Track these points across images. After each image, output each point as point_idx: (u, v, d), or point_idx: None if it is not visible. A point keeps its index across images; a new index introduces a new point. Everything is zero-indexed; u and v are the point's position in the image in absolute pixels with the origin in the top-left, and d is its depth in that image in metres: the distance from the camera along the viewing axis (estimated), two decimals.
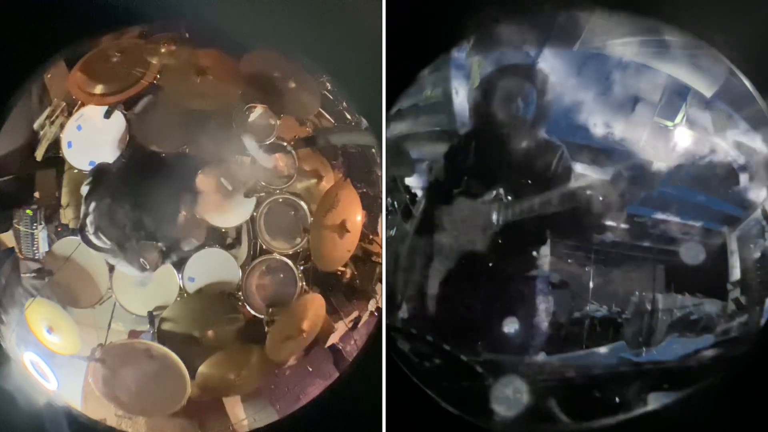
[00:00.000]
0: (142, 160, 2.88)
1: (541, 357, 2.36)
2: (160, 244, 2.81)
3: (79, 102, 2.97)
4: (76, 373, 2.79)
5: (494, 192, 2.36)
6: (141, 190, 2.73)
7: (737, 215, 2.31)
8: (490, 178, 2.39)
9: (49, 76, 2.91)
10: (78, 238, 2.83)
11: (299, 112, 3.18)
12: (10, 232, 2.93)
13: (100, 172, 2.79)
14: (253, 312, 2.97)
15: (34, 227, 2.91)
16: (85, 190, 2.75)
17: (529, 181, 2.34)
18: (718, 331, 2.31)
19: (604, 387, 2.32)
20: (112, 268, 2.89)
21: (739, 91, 2.25)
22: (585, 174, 2.34)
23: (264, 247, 3.03)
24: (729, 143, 2.29)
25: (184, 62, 2.95)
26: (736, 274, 2.31)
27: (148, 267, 2.80)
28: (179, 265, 2.94)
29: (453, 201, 2.42)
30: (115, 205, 2.70)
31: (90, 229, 2.71)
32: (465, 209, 2.40)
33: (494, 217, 2.36)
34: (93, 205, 2.71)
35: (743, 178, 2.27)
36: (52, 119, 2.96)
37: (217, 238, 3.03)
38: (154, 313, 2.91)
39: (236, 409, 2.94)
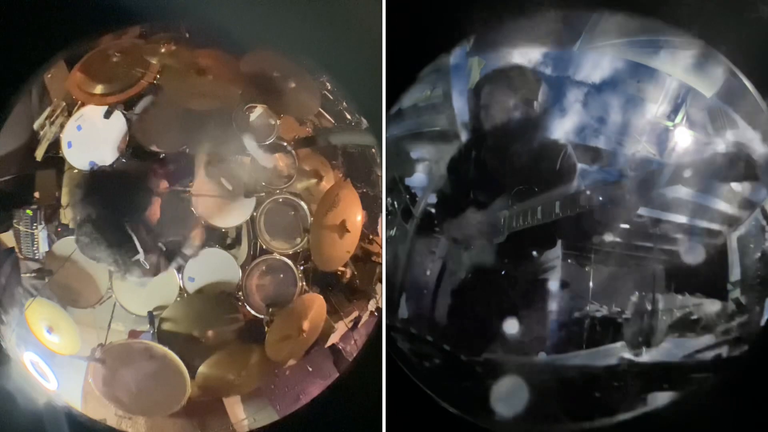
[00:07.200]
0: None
1: (541, 357, 2.36)
2: (160, 244, 2.80)
3: (79, 102, 2.97)
4: (76, 373, 2.79)
5: (500, 199, 2.36)
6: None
7: (737, 215, 2.31)
8: (495, 185, 2.39)
9: (49, 76, 2.91)
10: None
11: (299, 112, 3.18)
12: (10, 232, 2.93)
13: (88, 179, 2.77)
14: (253, 312, 2.97)
15: (34, 227, 2.91)
16: (75, 197, 2.72)
17: (536, 189, 2.34)
18: (718, 331, 2.30)
19: (604, 387, 2.32)
20: None
21: (739, 91, 2.24)
22: (586, 174, 2.33)
23: (264, 247, 3.03)
24: (729, 143, 2.29)
25: (184, 62, 2.95)
26: (736, 274, 2.30)
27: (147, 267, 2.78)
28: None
29: (461, 211, 2.42)
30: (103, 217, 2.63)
31: (84, 240, 2.65)
32: (472, 217, 2.40)
33: (500, 222, 2.36)
34: (83, 214, 2.65)
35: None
36: (52, 119, 2.96)
37: (217, 238, 3.03)
38: (154, 313, 2.91)
39: (236, 409, 2.94)
